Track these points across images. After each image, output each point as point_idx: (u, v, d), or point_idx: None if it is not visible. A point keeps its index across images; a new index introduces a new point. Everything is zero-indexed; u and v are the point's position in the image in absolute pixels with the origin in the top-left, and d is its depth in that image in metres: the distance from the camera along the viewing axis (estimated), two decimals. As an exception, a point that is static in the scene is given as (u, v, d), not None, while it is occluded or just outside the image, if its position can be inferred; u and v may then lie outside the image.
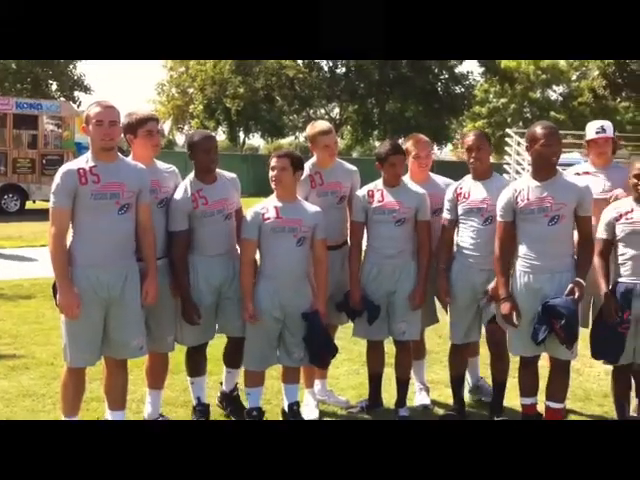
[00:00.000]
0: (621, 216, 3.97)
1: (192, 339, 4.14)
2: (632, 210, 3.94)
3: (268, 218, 4.01)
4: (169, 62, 37.03)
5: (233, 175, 4.34)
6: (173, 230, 3.99)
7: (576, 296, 3.76)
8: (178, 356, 4.34)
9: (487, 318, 4.24)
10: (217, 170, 4.13)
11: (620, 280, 3.96)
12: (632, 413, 4.20)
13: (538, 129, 3.93)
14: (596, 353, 4.05)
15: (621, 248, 3.97)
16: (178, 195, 4.01)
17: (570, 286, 3.78)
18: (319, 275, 4.15)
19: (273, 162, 4.05)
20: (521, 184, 3.98)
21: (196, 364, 4.23)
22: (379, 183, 4.37)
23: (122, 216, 3.63)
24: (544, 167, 3.90)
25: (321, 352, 4.13)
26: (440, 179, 4.68)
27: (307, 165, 4.38)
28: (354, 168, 4.63)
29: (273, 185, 4.07)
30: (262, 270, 4.09)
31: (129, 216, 3.67)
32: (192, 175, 4.10)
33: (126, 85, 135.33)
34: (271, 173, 4.04)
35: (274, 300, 4.01)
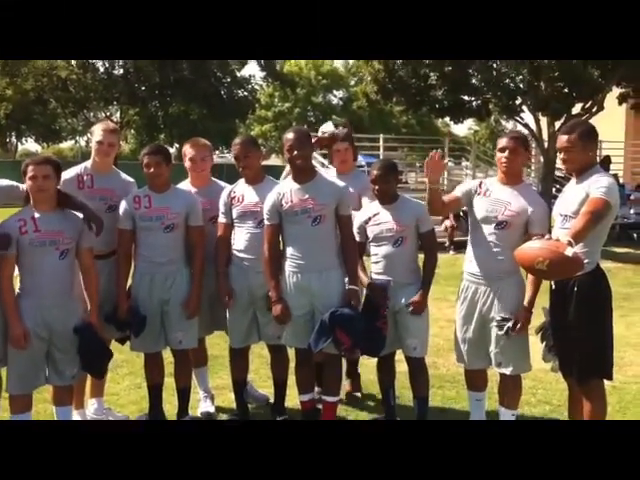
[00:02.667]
0: (370, 219, 4.18)
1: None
2: (378, 213, 4.16)
3: (26, 232, 3.69)
4: None
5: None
6: None
7: (355, 303, 3.94)
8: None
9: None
10: None
11: (375, 277, 4.17)
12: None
13: (286, 135, 4.06)
14: (361, 349, 4.21)
15: (373, 248, 4.19)
16: None
17: (348, 295, 3.94)
18: (88, 285, 3.95)
19: (32, 171, 3.71)
20: (284, 187, 4.06)
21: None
22: (146, 189, 4.23)
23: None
24: (297, 171, 4.02)
25: (96, 360, 3.94)
26: (222, 184, 4.60)
27: (80, 166, 4.29)
28: (131, 180, 4.45)
29: (34, 195, 3.75)
30: (23, 287, 3.77)
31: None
32: None
33: None
34: (30, 183, 3.70)
35: (37, 318, 3.71)
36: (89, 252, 3.92)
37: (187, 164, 4.49)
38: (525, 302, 3.81)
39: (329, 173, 4.66)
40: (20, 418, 3.84)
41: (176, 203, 4.17)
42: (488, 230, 3.88)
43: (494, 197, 3.89)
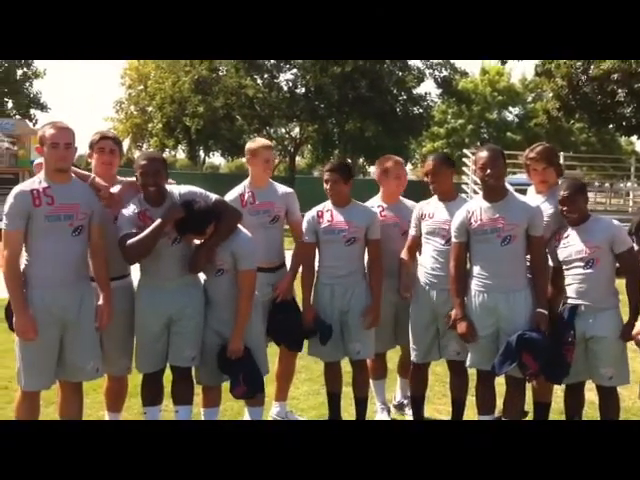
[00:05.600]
0: (559, 241, 4.06)
1: (146, 366, 4.04)
2: (568, 235, 4.02)
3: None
4: (127, 80, 36.74)
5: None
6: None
7: (543, 328, 3.86)
8: (136, 378, 4.27)
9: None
10: (173, 191, 3.95)
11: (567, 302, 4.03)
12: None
13: (479, 153, 4.05)
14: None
15: (565, 272, 4.03)
16: (126, 211, 3.85)
17: (536, 319, 3.88)
18: (240, 303, 3.94)
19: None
20: (474, 205, 4.06)
21: (150, 393, 4.09)
22: (328, 204, 4.42)
23: (76, 238, 3.63)
24: (489, 190, 4.00)
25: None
26: (409, 202, 4.71)
27: (242, 185, 4.53)
28: (290, 190, 4.68)
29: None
30: None
31: (83, 238, 3.66)
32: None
33: (83, 103, 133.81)
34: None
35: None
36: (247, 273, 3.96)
37: (390, 181, 4.62)
38: None
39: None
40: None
41: (357, 217, 4.33)
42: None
43: None
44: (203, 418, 4.20)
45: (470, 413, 4.45)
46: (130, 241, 3.72)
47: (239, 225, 4.01)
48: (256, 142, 4.65)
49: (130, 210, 3.84)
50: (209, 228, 3.86)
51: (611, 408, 4.02)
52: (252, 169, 4.57)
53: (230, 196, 4.48)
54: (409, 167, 42.07)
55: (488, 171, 3.93)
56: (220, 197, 4.08)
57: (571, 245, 3.98)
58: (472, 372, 4.29)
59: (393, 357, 5.06)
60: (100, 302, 3.74)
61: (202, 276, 4.08)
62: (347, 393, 4.64)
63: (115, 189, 3.92)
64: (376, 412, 4.81)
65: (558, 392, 4.33)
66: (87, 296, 3.70)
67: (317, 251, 4.46)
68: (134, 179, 3.93)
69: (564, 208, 3.98)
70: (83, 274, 3.71)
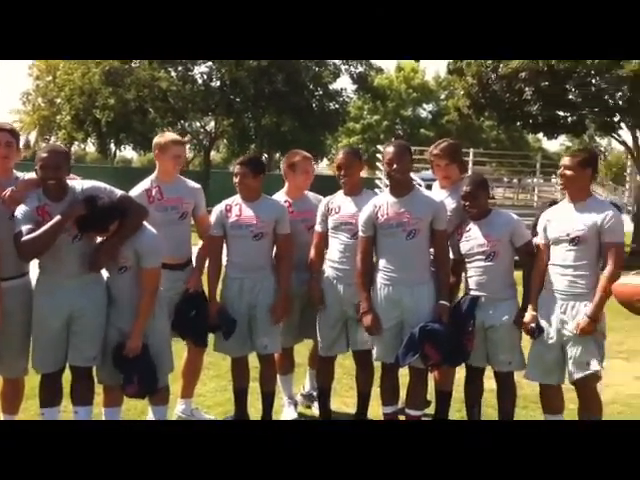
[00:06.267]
0: (461, 235, 4.16)
1: (44, 366, 3.88)
2: (470, 229, 4.13)
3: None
4: (35, 71, 35.40)
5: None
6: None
7: (444, 319, 3.94)
8: (33, 380, 4.10)
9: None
10: (75, 186, 3.79)
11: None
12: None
13: (386, 149, 4.12)
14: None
15: (467, 264, 4.16)
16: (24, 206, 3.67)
17: (437, 311, 3.95)
18: (142, 301, 3.83)
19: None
20: (381, 200, 4.10)
21: (48, 393, 3.93)
22: (237, 198, 4.38)
23: None
24: (395, 184, 4.06)
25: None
26: (312, 195, 4.73)
27: (148, 179, 4.39)
28: (197, 185, 4.60)
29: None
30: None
31: None
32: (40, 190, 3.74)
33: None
34: None
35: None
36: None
37: (296, 175, 4.59)
38: (590, 311, 3.75)
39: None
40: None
41: (265, 212, 4.30)
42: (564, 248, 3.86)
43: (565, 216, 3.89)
44: (104, 418, 4.08)
45: (375, 404, 4.51)
46: (25, 238, 3.55)
47: (144, 222, 3.91)
48: (165, 137, 4.50)
49: (28, 205, 3.66)
50: (113, 225, 3.73)
51: (509, 393, 4.18)
52: (160, 164, 4.43)
53: (135, 191, 4.32)
54: (325, 162, 42.31)
55: (394, 166, 3.99)
56: (125, 193, 3.95)
57: (473, 239, 4.09)
58: (377, 365, 4.34)
59: (301, 350, 5.07)
60: None
61: (105, 273, 3.95)
62: (254, 388, 4.61)
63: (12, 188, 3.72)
64: (283, 407, 4.81)
65: (460, 382, 4.43)
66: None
67: (225, 245, 4.42)
68: (33, 174, 3.75)
69: (466, 203, 4.07)
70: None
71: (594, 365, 3.80)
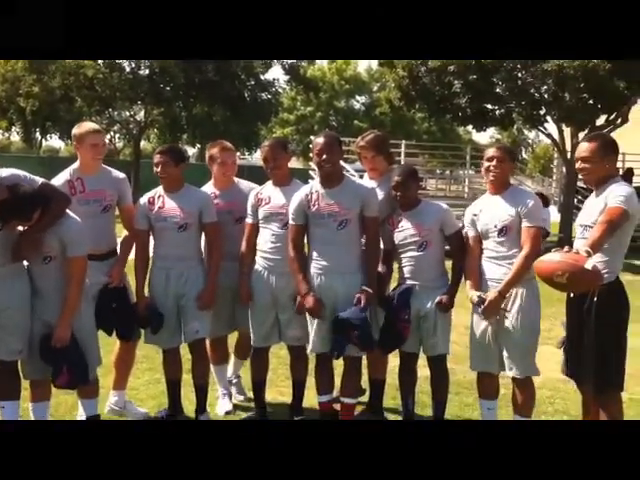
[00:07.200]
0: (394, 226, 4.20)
1: None
2: (401, 219, 4.17)
3: None
4: (-47, 55, 33.90)
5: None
6: None
7: (362, 304, 3.93)
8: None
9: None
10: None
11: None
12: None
13: (316, 140, 4.13)
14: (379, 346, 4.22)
15: (400, 254, 4.20)
16: None
17: (357, 296, 3.95)
18: (69, 290, 3.76)
19: None
20: (311, 189, 4.10)
21: (4, 385, 3.80)
22: (160, 189, 4.32)
23: None
24: (326, 175, 4.07)
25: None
26: (245, 184, 4.68)
27: (67, 170, 4.25)
28: (122, 175, 4.47)
29: None
30: None
31: None
32: None
33: None
34: None
35: None
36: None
37: (215, 167, 4.55)
38: (501, 287, 3.82)
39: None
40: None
41: (189, 202, 4.25)
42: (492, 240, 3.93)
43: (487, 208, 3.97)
44: (32, 414, 3.96)
45: (310, 394, 4.52)
46: None
47: (67, 210, 3.79)
48: (82, 127, 4.31)
49: None
50: (35, 214, 3.61)
51: (442, 380, 4.25)
52: (80, 155, 4.27)
53: (57, 182, 4.15)
54: (260, 153, 42.12)
55: (324, 157, 3.99)
56: (46, 181, 3.83)
57: (405, 229, 4.13)
58: (312, 354, 4.35)
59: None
60: None
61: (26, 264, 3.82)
62: (187, 380, 4.56)
63: None
64: (217, 398, 4.77)
65: (394, 370, 4.49)
66: None
67: (151, 237, 4.37)
68: None
69: (397, 193, 4.11)
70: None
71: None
